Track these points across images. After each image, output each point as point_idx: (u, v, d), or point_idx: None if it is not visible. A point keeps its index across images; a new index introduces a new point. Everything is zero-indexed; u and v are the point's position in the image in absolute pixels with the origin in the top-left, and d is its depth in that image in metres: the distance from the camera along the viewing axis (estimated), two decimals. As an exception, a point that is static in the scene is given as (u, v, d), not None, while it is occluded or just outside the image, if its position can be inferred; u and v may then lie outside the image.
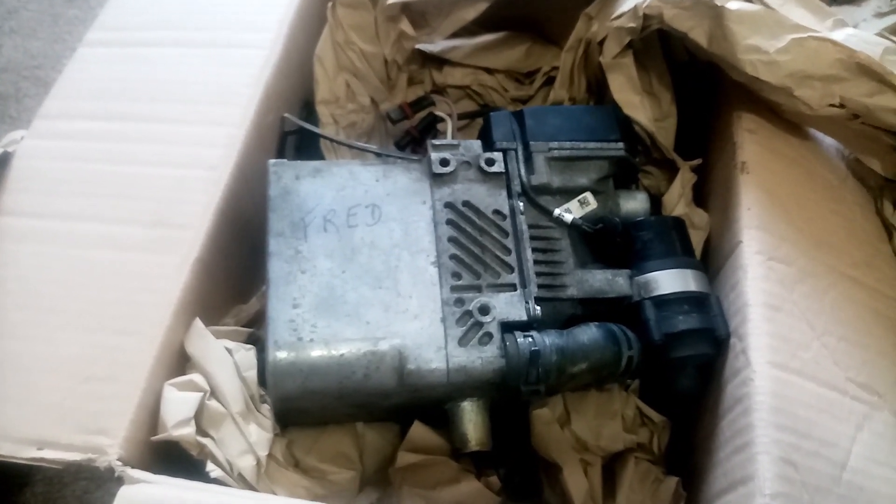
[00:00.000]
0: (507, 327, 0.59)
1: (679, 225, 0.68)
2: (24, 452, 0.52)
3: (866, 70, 0.63)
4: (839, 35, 0.64)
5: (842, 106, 0.65)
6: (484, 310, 0.59)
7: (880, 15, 1.19)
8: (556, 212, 0.66)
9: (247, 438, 0.56)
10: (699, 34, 0.66)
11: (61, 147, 0.68)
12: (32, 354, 0.57)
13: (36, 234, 0.63)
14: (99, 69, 0.74)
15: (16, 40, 1.20)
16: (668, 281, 0.62)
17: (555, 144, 0.69)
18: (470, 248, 0.62)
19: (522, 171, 0.67)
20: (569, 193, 0.68)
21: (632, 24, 0.69)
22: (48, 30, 1.22)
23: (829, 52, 0.63)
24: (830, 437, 0.55)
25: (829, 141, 0.73)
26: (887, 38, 0.65)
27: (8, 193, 0.65)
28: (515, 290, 0.61)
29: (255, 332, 0.64)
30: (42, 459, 0.52)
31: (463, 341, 0.58)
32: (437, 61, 0.89)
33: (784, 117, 0.70)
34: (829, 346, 0.59)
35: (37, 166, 0.67)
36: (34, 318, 0.58)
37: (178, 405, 0.55)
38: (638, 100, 0.74)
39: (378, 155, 0.69)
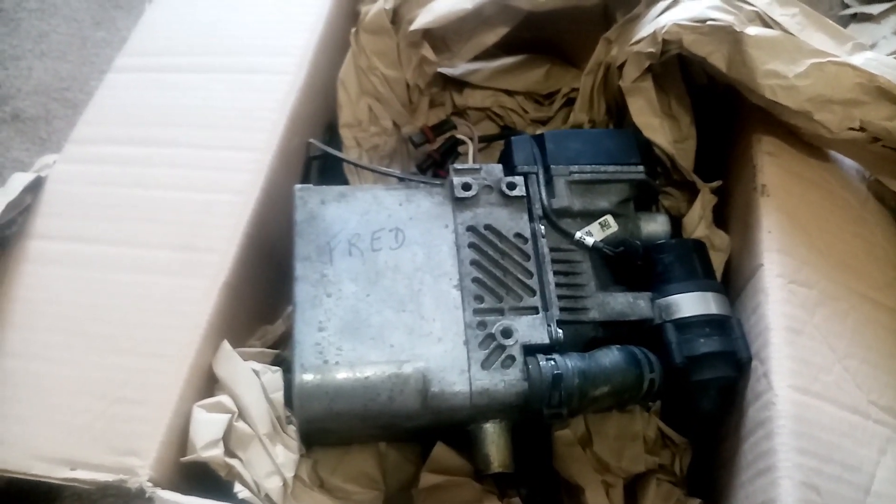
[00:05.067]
0: (530, 350, 0.59)
1: (700, 247, 0.68)
2: (57, 472, 0.54)
3: (886, 94, 0.63)
4: (858, 59, 0.64)
5: (862, 129, 0.65)
6: (506, 333, 0.60)
7: (901, 33, 1.19)
8: (578, 235, 0.67)
9: (273, 460, 0.56)
10: (718, 59, 0.67)
11: (92, 172, 0.69)
12: (64, 376, 0.58)
13: (67, 258, 0.64)
14: (128, 94, 0.75)
15: (46, 63, 1.23)
16: (690, 304, 0.63)
17: (575, 168, 0.70)
18: (492, 271, 0.63)
19: (543, 195, 0.68)
20: (590, 216, 0.69)
21: (651, 49, 0.69)
22: (77, 52, 1.25)
23: (848, 76, 0.63)
24: (853, 462, 0.55)
25: (849, 163, 0.73)
26: (907, 62, 0.65)
27: (40, 217, 0.67)
28: (538, 313, 0.61)
29: (280, 354, 0.65)
30: (75, 479, 0.53)
31: (486, 364, 0.59)
32: (458, 84, 0.90)
33: (804, 140, 0.70)
34: (851, 369, 0.59)
35: (68, 191, 0.68)
36: (65, 340, 0.60)
37: (207, 426, 0.56)
38: (657, 122, 0.74)
39: (401, 179, 0.71)
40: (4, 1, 1.29)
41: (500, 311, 0.61)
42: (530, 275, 0.63)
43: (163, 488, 0.52)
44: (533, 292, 0.62)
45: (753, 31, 0.65)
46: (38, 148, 1.13)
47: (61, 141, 0.72)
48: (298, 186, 0.65)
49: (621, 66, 0.74)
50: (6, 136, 1.14)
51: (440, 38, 0.80)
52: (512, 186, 0.67)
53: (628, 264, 0.67)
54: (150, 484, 0.52)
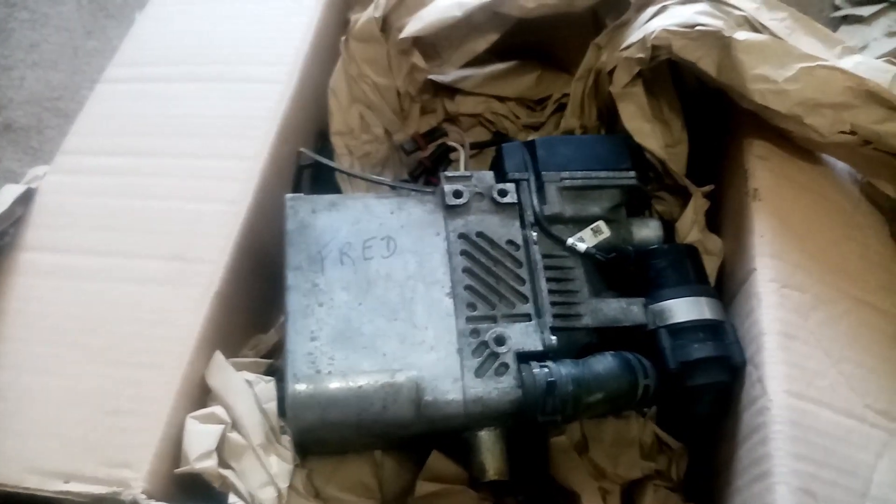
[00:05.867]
0: (523, 357, 0.59)
1: (693, 253, 0.68)
2: (50, 485, 0.53)
3: (876, 97, 0.63)
4: (848, 63, 0.64)
5: (853, 133, 0.65)
6: (500, 340, 0.59)
7: (891, 34, 1.20)
8: (570, 241, 0.66)
9: (267, 470, 0.56)
10: (708, 64, 0.67)
11: (83, 182, 0.69)
12: (56, 388, 0.58)
13: (59, 270, 0.64)
14: (118, 105, 0.76)
15: (38, 73, 1.23)
16: (683, 309, 0.63)
17: (567, 174, 0.69)
18: (484, 278, 0.63)
19: (535, 202, 0.68)
20: (582, 222, 0.69)
21: (641, 55, 0.69)
22: (68, 62, 1.25)
23: (838, 80, 0.63)
24: (849, 466, 0.54)
25: (841, 165, 0.73)
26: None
27: (32, 228, 0.67)
28: (530, 319, 0.61)
29: (274, 363, 0.65)
30: (68, 493, 0.53)
31: (479, 372, 0.58)
32: (450, 90, 0.90)
33: (795, 144, 0.70)
34: (846, 373, 0.59)
35: (59, 202, 0.68)
36: (57, 352, 0.59)
37: (201, 438, 0.55)
38: (649, 127, 0.74)
39: (392, 187, 0.70)
40: (-5, 12, 1.29)
41: (493, 319, 0.61)
42: (523, 282, 0.63)
43: (157, 500, 0.52)
44: (526, 299, 0.62)
45: (742, 35, 0.65)
46: (30, 158, 1.13)
47: (53, 150, 0.72)
48: (289, 196, 0.65)
49: (611, 72, 0.74)
50: (-2, 147, 1.14)
51: (430, 45, 0.81)
52: (503, 193, 0.67)
53: (621, 270, 0.67)
54: (143, 496, 0.52)
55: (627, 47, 0.71)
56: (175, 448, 0.56)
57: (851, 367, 0.60)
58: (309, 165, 0.77)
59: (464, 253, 0.64)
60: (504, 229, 0.65)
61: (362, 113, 0.82)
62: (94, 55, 1.26)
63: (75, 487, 0.53)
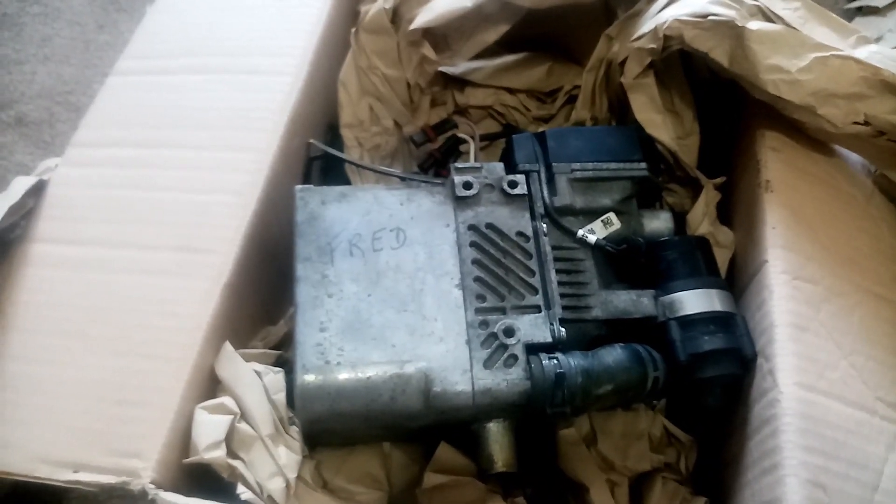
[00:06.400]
0: (532, 349, 0.59)
1: (704, 244, 0.68)
2: (60, 475, 0.54)
3: (891, 87, 0.62)
4: (862, 53, 0.64)
5: (866, 123, 0.64)
6: (509, 332, 0.59)
7: (905, 26, 1.18)
8: (580, 233, 0.66)
9: (276, 461, 0.56)
10: (720, 54, 0.67)
11: (93, 175, 0.69)
12: (66, 379, 0.58)
13: (69, 261, 0.64)
14: (129, 97, 0.75)
15: (49, 67, 1.23)
16: (694, 301, 0.62)
17: (577, 165, 0.69)
18: (494, 270, 0.63)
19: (545, 193, 0.67)
20: (592, 214, 0.69)
21: (652, 45, 0.69)
22: (80, 56, 1.25)
23: (852, 70, 0.63)
24: (860, 459, 0.54)
25: (854, 157, 0.72)
26: (911, 55, 0.64)
27: (43, 220, 0.67)
28: (540, 311, 0.61)
29: (283, 355, 0.65)
30: (78, 482, 0.53)
31: (488, 363, 0.58)
32: (460, 82, 0.90)
33: (808, 135, 0.70)
34: (857, 365, 0.59)
35: (70, 194, 0.68)
36: (67, 343, 0.59)
37: (209, 428, 0.56)
38: (660, 119, 0.74)
39: (402, 179, 0.70)
40: (8, 6, 1.30)
41: (503, 310, 0.61)
42: (532, 273, 0.63)
43: (165, 490, 0.52)
44: (535, 291, 0.62)
45: (755, 25, 0.64)
46: (41, 152, 1.13)
47: (65, 144, 0.72)
48: (299, 187, 0.65)
49: (623, 63, 0.74)
50: (10, 140, 1.15)
51: (441, 36, 0.80)
52: (513, 185, 0.66)
53: (631, 262, 0.67)
54: (152, 486, 0.52)
55: (639, 38, 0.70)
56: (184, 438, 0.56)
57: (863, 359, 0.59)
58: (319, 157, 0.77)
59: (473, 244, 0.63)
60: (514, 221, 0.65)
61: (372, 105, 0.81)
62: (105, 49, 1.26)
63: (84, 477, 0.53)
